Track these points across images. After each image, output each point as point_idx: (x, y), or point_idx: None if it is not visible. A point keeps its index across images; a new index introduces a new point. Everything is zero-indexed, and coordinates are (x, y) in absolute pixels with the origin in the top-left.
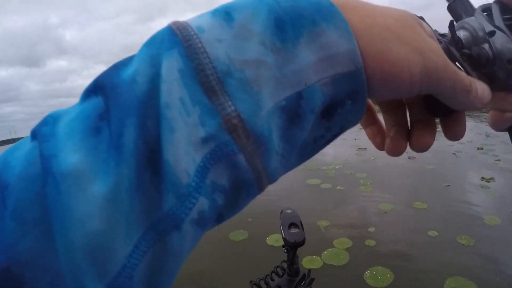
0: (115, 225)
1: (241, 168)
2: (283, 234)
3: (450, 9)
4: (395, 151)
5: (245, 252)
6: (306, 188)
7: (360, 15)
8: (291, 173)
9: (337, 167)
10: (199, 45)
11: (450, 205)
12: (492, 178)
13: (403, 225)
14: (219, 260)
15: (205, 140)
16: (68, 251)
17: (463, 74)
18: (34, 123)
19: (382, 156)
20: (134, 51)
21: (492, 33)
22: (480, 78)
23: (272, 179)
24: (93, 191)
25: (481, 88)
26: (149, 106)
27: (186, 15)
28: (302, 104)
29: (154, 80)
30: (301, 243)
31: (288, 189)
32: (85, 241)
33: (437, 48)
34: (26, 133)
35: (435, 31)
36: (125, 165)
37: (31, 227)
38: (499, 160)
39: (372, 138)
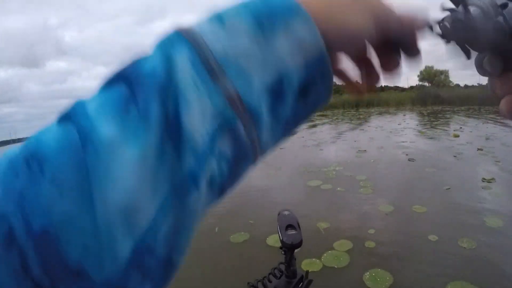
0: (144, 184)
1: (241, 138)
2: (280, 235)
3: None
4: (372, 81)
5: (246, 253)
6: (307, 189)
7: (319, 4)
8: (292, 175)
9: (337, 168)
10: (203, 43)
11: (451, 208)
12: (493, 179)
13: (403, 228)
14: (220, 261)
15: (213, 113)
16: (105, 208)
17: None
18: (34, 124)
19: (382, 158)
20: (134, 52)
21: (504, 5)
22: (494, 58)
23: (263, 151)
24: (126, 155)
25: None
26: (168, 89)
27: (185, 17)
28: (284, 85)
29: (170, 71)
30: (298, 244)
31: (290, 190)
32: (119, 198)
33: (384, 4)
34: (26, 133)
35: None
36: (151, 132)
37: (68, 191)
38: (499, 161)
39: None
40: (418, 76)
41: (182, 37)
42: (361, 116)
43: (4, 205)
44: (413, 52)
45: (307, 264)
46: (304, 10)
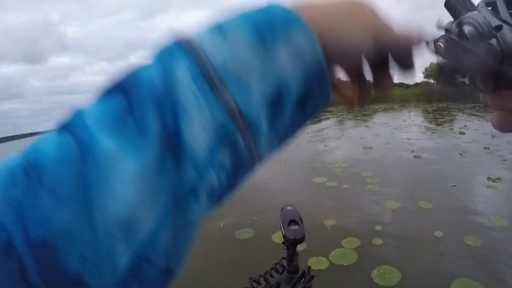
0: (143, 197)
1: (239, 149)
2: (282, 231)
3: (447, 5)
4: (365, 98)
5: (251, 250)
6: (312, 186)
7: (319, 18)
8: (297, 172)
9: (343, 165)
10: (204, 55)
11: (456, 205)
12: (498, 178)
13: (410, 224)
14: (224, 257)
15: (214, 126)
16: (104, 221)
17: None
18: (38, 119)
19: (388, 155)
20: (137, 47)
21: (499, 28)
22: (487, 77)
23: (261, 160)
24: (126, 168)
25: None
26: (167, 101)
27: (188, 12)
28: (283, 97)
29: (169, 83)
30: (301, 240)
31: (294, 188)
32: (119, 211)
33: (382, 21)
34: (30, 129)
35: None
36: (150, 144)
37: (67, 202)
38: (505, 160)
39: (341, 100)
40: (423, 72)
41: (183, 48)
42: (366, 113)
43: (3, 214)
44: (407, 67)
45: (314, 262)
46: (305, 22)
